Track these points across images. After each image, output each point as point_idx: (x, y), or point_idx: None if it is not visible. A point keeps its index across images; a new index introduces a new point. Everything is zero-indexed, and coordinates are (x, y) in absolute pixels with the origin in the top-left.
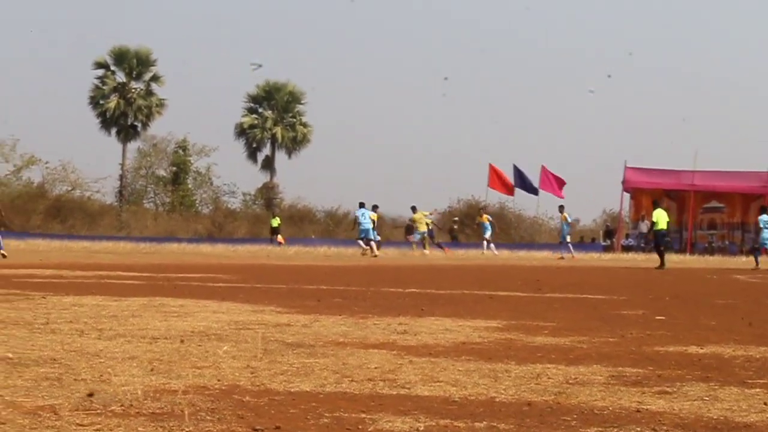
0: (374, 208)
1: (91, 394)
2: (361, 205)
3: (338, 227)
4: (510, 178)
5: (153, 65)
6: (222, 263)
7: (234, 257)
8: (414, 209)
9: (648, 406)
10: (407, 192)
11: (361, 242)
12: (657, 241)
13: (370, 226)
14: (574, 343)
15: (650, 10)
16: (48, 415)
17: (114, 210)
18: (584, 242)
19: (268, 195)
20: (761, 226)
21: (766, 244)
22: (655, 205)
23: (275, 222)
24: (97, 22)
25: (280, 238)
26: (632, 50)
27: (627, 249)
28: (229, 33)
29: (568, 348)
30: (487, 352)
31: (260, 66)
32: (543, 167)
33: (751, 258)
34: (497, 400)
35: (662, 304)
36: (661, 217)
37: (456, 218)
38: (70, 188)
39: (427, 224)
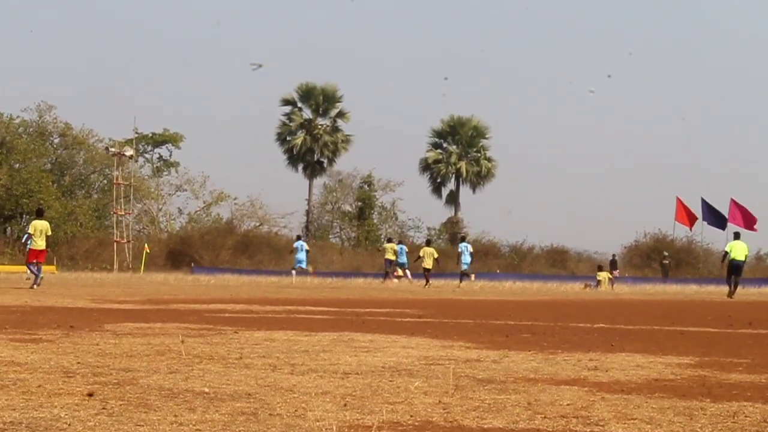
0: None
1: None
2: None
3: (523, 261)
4: (697, 211)
5: (339, 101)
6: (408, 298)
7: (419, 292)
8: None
9: None
10: (592, 226)
11: (293, 272)
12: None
13: (304, 256)
14: None
15: None
16: None
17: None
18: None
19: (452, 230)
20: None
21: None
22: (736, 236)
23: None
24: (284, 59)
25: (399, 272)
26: None
27: None
28: (413, 69)
29: (765, 385)
30: (680, 389)
31: (260, 66)
32: (732, 200)
33: None
34: None
35: None
36: (739, 249)
37: (666, 253)
38: (258, 224)
39: (420, 257)
